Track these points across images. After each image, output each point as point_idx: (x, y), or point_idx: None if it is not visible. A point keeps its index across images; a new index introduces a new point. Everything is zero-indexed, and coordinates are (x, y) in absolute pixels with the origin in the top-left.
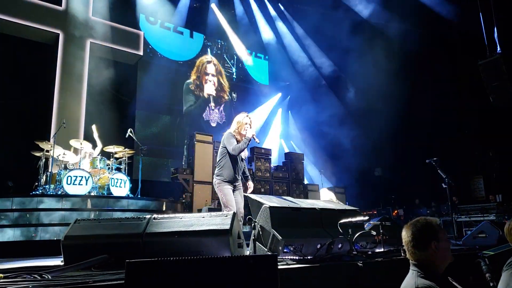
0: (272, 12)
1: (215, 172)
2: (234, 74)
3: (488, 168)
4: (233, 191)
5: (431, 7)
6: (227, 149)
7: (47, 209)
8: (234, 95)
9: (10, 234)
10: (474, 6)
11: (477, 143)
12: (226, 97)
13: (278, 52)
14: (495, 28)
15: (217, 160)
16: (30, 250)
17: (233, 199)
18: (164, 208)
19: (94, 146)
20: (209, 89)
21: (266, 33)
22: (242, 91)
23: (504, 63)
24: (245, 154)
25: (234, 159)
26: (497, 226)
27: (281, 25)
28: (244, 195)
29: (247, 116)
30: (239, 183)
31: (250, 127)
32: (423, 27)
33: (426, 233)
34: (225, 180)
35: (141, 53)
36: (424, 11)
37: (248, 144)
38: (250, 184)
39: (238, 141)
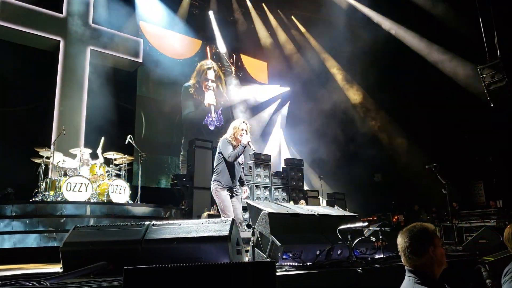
0: (271, 17)
1: (213, 177)
2: (233, 72)
3: (488, 174)
4: (231, 197)
5: (430, 11)
6: (223, 155)
7: (46, 216)
8: (231, 92)
9: (9, 241)
10: (473, 10)
11: (477, 148)
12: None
13: (277, 57)
14: (495, 32)
15: (214, 166)
16: (28, 257)
17: (231, 205)
18: (163, 215)
19: (95, 158)
20: (210, 98)
21: (265, 39)
22: (240, 90)
23: (504, 67)
24: (242, 159)
25: (231, 164)
26: (497, 232)
27: (280, 31)
28: (244, 201)
29: (243, 122)
30: (237, 189)
31: (247, 133)
32: (422, 32)
33: (424, 238)
34: (222, 185)
35: (140, 60)
36: (423, 15)
37: (243, 150)
38: (246, 189)
39: (234, 147)
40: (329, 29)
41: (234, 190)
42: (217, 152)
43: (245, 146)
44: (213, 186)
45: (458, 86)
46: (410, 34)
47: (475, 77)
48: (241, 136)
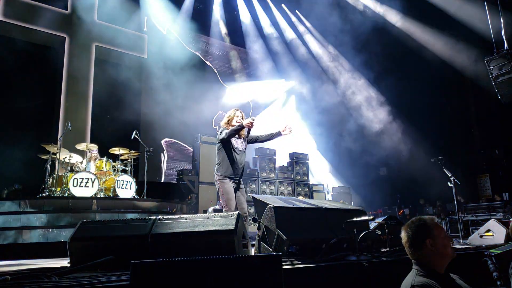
0: (276, 12)
1: (215, 168)
2: (238, 69)
3: (494, 166)
4: (235, 190)
5: (436, 4)
6: (222, 142)
7: (53, 211)
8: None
9: (17, 236)
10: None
11: (483, 141)
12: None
13: (281, 52)
14: (502, 24)
15: (216, 158)
16: (36, 252)
17: (234, 196)
18: (169, 209)
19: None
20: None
21: (270, 33)
22: (247, 86)
23: (511, 59)
24: (243, 146)
25: (230, 151)
26: (504, 225)
27: (285, 25)
28: (250, 195)
29: (237, 110)
30: (241, 184)
31: (242, 119)
32: (428, 22)
33: (420, 232)
34: (223, 175)
35: (145, 56)
36: (428, 7)
37: (240, 128)
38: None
39: None
40: (329, 19)
41: (237, 182)
42: (216, 143)
43: (242, 126)
44: (216, 177)
45: (465, 78)
46: (416, 25)
47: (483, 69)
48: (238, 122)
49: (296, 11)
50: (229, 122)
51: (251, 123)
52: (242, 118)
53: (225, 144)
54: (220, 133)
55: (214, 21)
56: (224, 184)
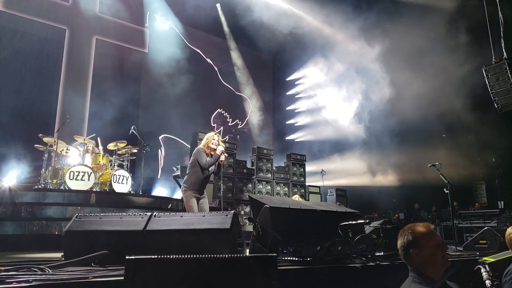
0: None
1: (184, 179)
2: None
3: (490, 175)
4: (199, 199)
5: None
6: (198, 162)
7: (48, 204)
8: None
9: (11, 228)
10: (481, 10)
11: (480, 149)
12: None
13: (280, 50)
14: (502, 33)
15: (187, 170)
16: (30, 244)
17: (196, 206)
18: (165, 206)
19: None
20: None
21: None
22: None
23: (509, 68)
24: (212, 168)
25: (202, 171)
26: (498, 233)
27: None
28: (246, 195)
29: (215, 133)
30: (204, 193)
31: (218, 143)
32: (427, 28)
33: (407, 242)
34: (189, 188)
35: (146, 50)
36: (429, 13)
37: (217, 160)
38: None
39: (207, 155)
40: None
41: (200, 193)
42: (191, 159)
43: (219, 157)
44: (183, 187)
45: (463, 86)
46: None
47: (481, 77)
48: (213, 144)
49: None
50: (207, 144)
51: (222, 152)
52: (219, 142)
53: (199, 164)
54: (199, 153)
55: (217, 19)
56: (188, 195)
